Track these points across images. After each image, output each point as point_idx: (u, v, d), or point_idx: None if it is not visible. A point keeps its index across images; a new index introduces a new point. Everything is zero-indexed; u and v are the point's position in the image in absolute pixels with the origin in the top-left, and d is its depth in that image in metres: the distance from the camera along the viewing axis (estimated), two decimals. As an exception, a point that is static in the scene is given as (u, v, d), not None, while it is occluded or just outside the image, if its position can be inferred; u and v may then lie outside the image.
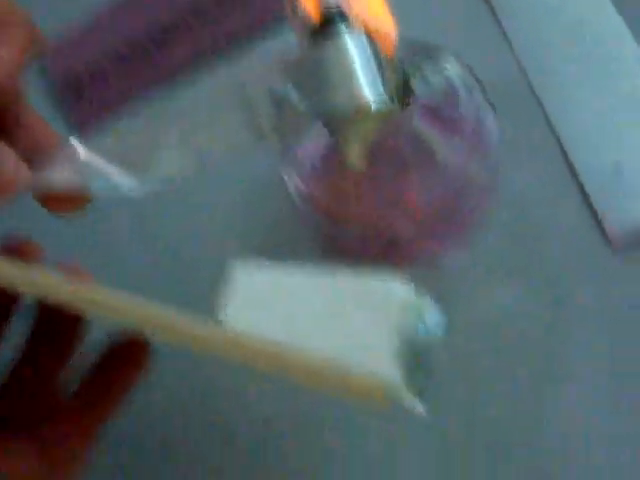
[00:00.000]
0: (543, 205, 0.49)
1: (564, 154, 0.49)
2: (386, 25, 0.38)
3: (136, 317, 0.29)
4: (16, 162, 0.34)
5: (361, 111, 0.34)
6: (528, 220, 0.48)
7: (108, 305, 0.29)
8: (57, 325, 0.37)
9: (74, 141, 0.37)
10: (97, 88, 0.57)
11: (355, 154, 0.38)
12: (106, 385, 0.37)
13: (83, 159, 0.36)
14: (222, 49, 0.56)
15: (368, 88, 0.34)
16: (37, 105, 0.40)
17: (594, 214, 0.47)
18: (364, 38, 0.35)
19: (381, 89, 0.34)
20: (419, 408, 0.29)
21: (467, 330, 0.46)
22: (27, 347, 0.37)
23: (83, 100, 0.57)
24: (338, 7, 0.36)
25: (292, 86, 0.34)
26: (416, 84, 0.40)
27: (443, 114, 0.44)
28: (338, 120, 0.35)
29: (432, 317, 0.30)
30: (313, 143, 0.45)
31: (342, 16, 0.36)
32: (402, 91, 0.39)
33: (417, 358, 0.30)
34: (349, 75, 0.34)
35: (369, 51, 0.35)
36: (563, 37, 0.52)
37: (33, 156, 0.36)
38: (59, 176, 0.35)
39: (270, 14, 0.55)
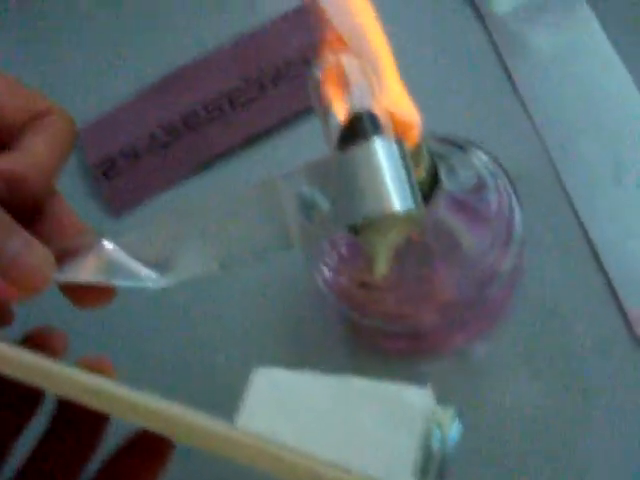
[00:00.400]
0: (568, 298, 0.48)
1: (591, 247, 0.49)
2: (410, 115, 0.38)
3: (155, 418, 0.29)
4: (44, 254, 0.34)
5: (389, 219, 0.34)
6: (553, 313, 0.48)
7: (125, 403, 0.29)
8: (77, 422, 0.36)
9: (100, 238, 0.36)
10: (132, 170, 0.58)
11: (381, 261, 0.37)
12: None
13: (108, 252, 0.35)
14: (256, 134, 0.57)
15: (396, 196, 0.33)
16: (71, 185, 0.41)
17: (620, 308, 0.47)
18: (393, 143, 0.34)
19: (410, 197, 0.34)
20: None
21: (490, 423, 0.46)
22: (44, 443, 0.36)
23: (118, 181, 0.58)
24: (367, 109, 0.35)
25: (319, 191, 0.34)
26: (445, 176, 0.41)
27: (470, 206, 0.45)
28: (365, 227, 0.35)
29: (451, 427, 0.30)
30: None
31: (371, 118, 0.35)
32: (430, 183, 0.40)
33: (430, 464, 0.29)
34: (378, 182, 0.33)
35: (398, 157, 0.34)
36: (593, 129, 0.52)
37: (59, 246, 0.35)
38: (84, 269, 0.35)
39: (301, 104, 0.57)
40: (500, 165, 0.45)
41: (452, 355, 0.47)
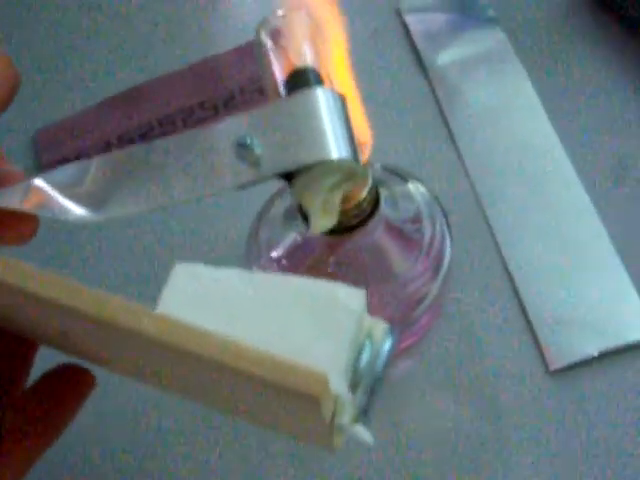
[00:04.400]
0: (488, 327, 0.49)
1: (511, 283, 0.50)
2: (363, 131, 0.37)
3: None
4: None
5: (323, 167, 0.32)
6: (473, 340, 0.49)
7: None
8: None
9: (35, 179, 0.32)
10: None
11: (315, 214, 0.35)
12: (44, 413, 0.33)
13: (37, 185, 0.32)
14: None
15: (333, 144, 0.32)
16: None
17: (535, 338, 0.48)
18: (335, 94, 0.33)
19: (346, 148, 0.32)
20: (363, 433, 0.26)
21: (406, 437, 0.46)
22: None
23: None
24: (311, 65, 0.34)
25: (257, 136, 0.32)
26: (384, 202, 0.41)
27: (406, 234, 0.45)
28: (299, 176, 0.33)
29: (383, 342, 0.28)
30: (279, 245, 0.46)
31: (314, 72, 0.34)
32: (370, 206, 0.40)
33: (360, 377, 0.27)
34: (315, 128, 0.32)
35: (338, 108, 0.33)
36: (518, 176, 0.54)
37: None
38: (6, 196, 0.32)
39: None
40: (436, 198, 0.46)
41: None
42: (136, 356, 0.29)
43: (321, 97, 0.33)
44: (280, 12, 0.36)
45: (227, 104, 0.58)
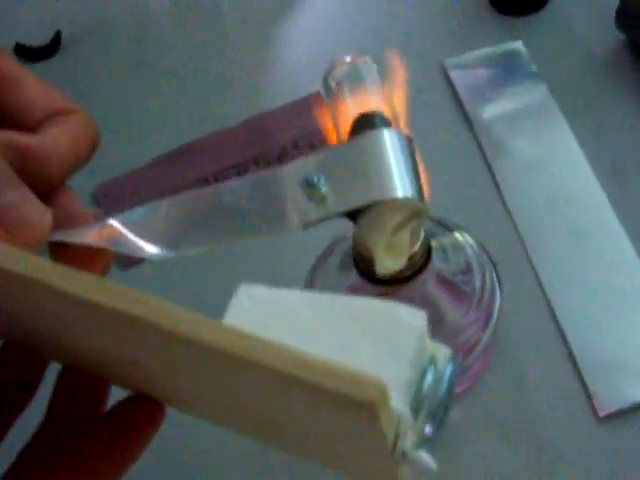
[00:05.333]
0: (537, 372, 0.50)
1: (559, 330, 0.51)
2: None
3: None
4: (42, 210, 0.31)
5: (388, 206, 0.33)
6: (522, 386, 0.49)
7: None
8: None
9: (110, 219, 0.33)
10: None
11: (380, 254, 0.36)
12: (122, 439, 0.33)
13: (112, 224, 0.33)
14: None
15: (398, 183, 0.32)
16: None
17: (584, 385, 0.48)
18: (402, 136, 0.34)
19: (411, 187, 0.33)
20: (427, 460, 0.25)
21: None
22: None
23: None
24: (378, 110, 0.35)
25: (323, 175, 0.33)
26: (435, 254, 0.42)
27: (456, 286, 0.46)
28: (364, 215, 0.33)
29: (446, 367, 0.27)
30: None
31: (381, 116, 0.35)
32: (423, 258, 0.41)
33: (422, 402, 0.26)
34: (380, 168, 0.32)
35: (404, 149, 0.33)
36: (563, 227, 0.55)
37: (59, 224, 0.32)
38: (84, 234, 0.32)
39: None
40: (485, 250, 0.47)
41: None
42: (198, 381, 0.28)
43: (387, 138, 0.33)
44: (347, 58, 0.38)
45: (281, 159, 0.60)
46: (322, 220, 0.33)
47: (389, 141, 0.33)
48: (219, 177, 0.60)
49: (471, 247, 0.47)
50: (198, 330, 0.22)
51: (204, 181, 0.60)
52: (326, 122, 0.39)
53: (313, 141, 0.60)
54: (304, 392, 0.22)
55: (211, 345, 0.22)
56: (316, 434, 0.27)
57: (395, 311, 0.27)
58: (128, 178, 0.61)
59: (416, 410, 0.26)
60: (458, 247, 0.47)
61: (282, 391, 0.23)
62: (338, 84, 0.38)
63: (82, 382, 0.34)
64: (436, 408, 0.26)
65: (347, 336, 0.26)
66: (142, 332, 0.24)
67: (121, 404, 0.33)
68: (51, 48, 0.71)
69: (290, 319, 0.27)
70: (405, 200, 0.33)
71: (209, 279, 0.56)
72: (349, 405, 0.21)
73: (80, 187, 0.61)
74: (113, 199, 0.61)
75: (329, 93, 0.38)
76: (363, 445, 0.25)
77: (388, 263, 0.37)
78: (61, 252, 0.32)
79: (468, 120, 0.61)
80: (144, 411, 0.33)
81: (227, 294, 0.29)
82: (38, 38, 0.72)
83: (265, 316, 0.27)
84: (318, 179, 0.33)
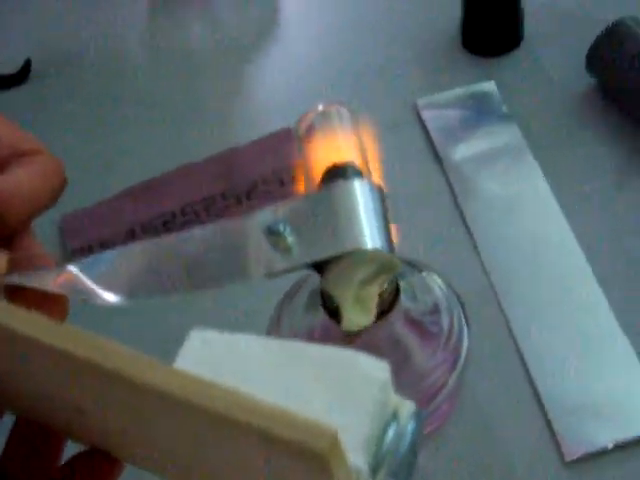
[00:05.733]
0: (504, 415, 0.49)
1: (526, 373, 0.50)
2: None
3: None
4: None
5: (356, 258, 0.32)
6: (488, 429, 0.49)
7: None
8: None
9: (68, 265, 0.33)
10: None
11: (347, 308, 0.35)
12: None
13: (69, 271, 0.32)
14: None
15: (367, 234, 0.32)
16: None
17: (551, 428, 0.48)
18: (373, 187, 0.33)
19: (380, 238, 0.32)
20: None
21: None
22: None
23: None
24: (349, 160, 0.34)
25: (289, 224, 0.32)
26: (404, 294, 0.41)
27: (424, 326, 0.45)
28: (331, 267, 0.32)
29: (409, 423, 0.25)
30: (299, 333, 0.46)
31: (353, 166, 0.34)
32: (391, 298, 0.40)
33: (383, 457, 0.24)
34: (349, 218, 0.32)
35: (375, 200, 0.33)
36: (532, 269, 0.55)
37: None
38: (40, 278, 0.31)
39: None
40: (454, 290, 0.46)
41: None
42: (144, 429, 0.27)
43: (358, 188, 0.33)
44: (320, 107, 0.37)
45: (249, 194, 0.60)
46: (287, 271, 0.32)
47: (360, 192, 0.33)
48: (187, 211, 0.60)
49: (439, 287, 0.47)
50: (143, 372, 0.21)
51: (171, 215, 0.60)
52: (297, 158, 0.38)
53: (283, 177, 0.59)
54: (252, 439, 0.21)
55: (153, 387, 0.21)
56: None
57: (356, 360, 0.25)
58: (95, 210, 0.61)
59: (376, 468, 0.24)
60: (426, 287, 0.46)
61: (236, 442, 0.22)
62: (309, 132, 0.37)
63: (36, 436, 0.33)
64: (398, 466, 0.25)
65: (302, 384, 0.25)
66: (87, 373, 0.23)
67: (75, 458, 0.32)
68: (20, 76, 0.71)
69: (243, 365, 0.26)
70: (374, 252, 0.32)
71: (169, 322, 0.55)
72: (299, 455, 0.20)
73: (46, 217, 0.61)
74: (79, 230, 0.60)
75: (300, 141, 0.37)
76: None
77: (355, 318, 0.36)
78: (18, 296, 0.31)
79: (439, 160, 0.61)
80: (99, 465, 0.32)
81: (180, 336, 0.28)
82: (7, 66, 0.71)
83: (217, 361, 0.26)
84: (284, 228, 0.32)
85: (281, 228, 0.32)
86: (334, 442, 0.20)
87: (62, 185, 0.34)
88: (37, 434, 0.33)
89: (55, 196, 0.33)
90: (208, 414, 0.21)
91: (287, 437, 0.20)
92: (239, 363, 0.26)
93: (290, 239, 0.32)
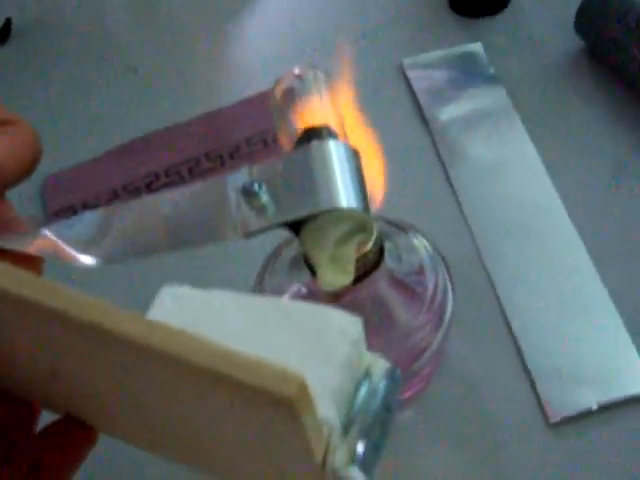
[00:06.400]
0: (488, 377, 0.49)
1: (511, 335, 0.50)
2: (377, 187, 0.38)
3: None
4: None
5: (331, 217, 0.32)
6: (473, 390, 0.49)
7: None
8: None
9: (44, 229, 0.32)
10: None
11: (323, 268, 0.34)
12: (48, 462, 0.32)
13: (45, 235, 0.32)
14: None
15: (342, 194, 0.32)
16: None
17: (535, 391, 0.48)
18: (348, 147, 0.33)
19: (356, 198, 0.32)
20: (359, 478, 0.23)
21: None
22: None
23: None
24: (324, 123, 0.34)
25: (265, 185, 0.32)
26: (388, 255, 0.41)
27: (409, 286, 0.45)
28: (307, 226, 0.32)
29: (381, 381, 0.25)
30: (283, 295, 0.46)
31: (328, 128, 0.34)
32: (375, 259, 0.40)
33: (355, 416, 0.24)
34: (324, 178, 0.32)
35: (350, 160, 0.33)
36: (518, 231, 0.55)
37: None
38: (15, 240, 0.31)
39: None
40: (439, 252, 0.46)
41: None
42: (116, 387, 0.27)
43: (333, 149, 0.32)
44: (296, 70, 0.37)
45: (232, 155, 0.59)
46: (263, 230, 0.32)
47: (335, 152, 0.33)
48: (170, 172, 0.59)
49: (425, 248, 0.46)
50: (112, 320, 0.21)
51: (154, 176, 0.59)
52: (274, 121, 0.38)
53: (267, 138, 0.59)
54: (219, 387, 0.21)
55: (120, 332, 0.21)
56: (243, 446, 0.25)
57: (328, 315, 0.25)
58: (77, 170, 0.60)
59: (347, 425, 0.24)
60: (411, 248, 0.46)
61: (203, 389, 0.22)
62: (285, 95, 0.37)
63: (10, 406, 0.33)
64: (370, 426, 0.24)
65: (275, 338, 0.25)
66: (60, 326, 0.23)
67: (49, 426, 0.32)
68: (1, 35, 0.70)
69: (215, 319, 0.26)
70: (349, 211, 0.32)
71: (150, 281, 0.54)
72: (266, 401, 0.20)
73: (27, 179, 0.60)
74: (61, 191, 0.59)
75: (276, 105, 0.37)
76: (291, 457, 0.24)
77: (332, 278, 0.35)
78: None
79: (425, 121, 0.60)
80: (72, 433, 0.32)
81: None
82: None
83: (189, 316, 0.26)
84: (259, 187, 0.32)
85: (256, 188, 0.32)
86: (301, 387, 0.19)
87: (37, 155, 0.33)
88: (12, 405, 0.33)
89: (31, 165, 0.33)
90: (178, 363, 0.20)
91: (252, 382, 0.19)
92: (211, 318, 0.26)
93: (265, 199, 0.32)
